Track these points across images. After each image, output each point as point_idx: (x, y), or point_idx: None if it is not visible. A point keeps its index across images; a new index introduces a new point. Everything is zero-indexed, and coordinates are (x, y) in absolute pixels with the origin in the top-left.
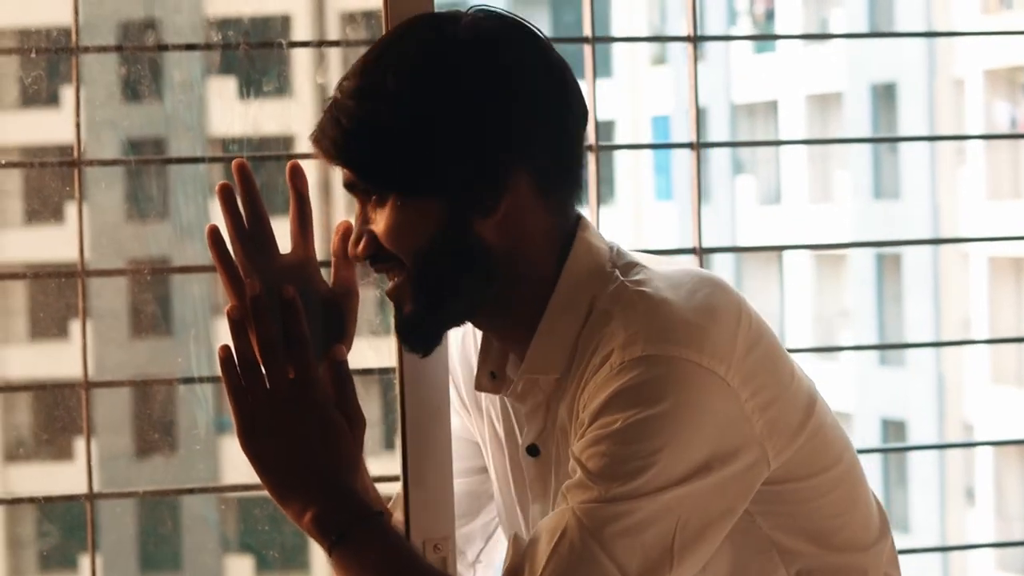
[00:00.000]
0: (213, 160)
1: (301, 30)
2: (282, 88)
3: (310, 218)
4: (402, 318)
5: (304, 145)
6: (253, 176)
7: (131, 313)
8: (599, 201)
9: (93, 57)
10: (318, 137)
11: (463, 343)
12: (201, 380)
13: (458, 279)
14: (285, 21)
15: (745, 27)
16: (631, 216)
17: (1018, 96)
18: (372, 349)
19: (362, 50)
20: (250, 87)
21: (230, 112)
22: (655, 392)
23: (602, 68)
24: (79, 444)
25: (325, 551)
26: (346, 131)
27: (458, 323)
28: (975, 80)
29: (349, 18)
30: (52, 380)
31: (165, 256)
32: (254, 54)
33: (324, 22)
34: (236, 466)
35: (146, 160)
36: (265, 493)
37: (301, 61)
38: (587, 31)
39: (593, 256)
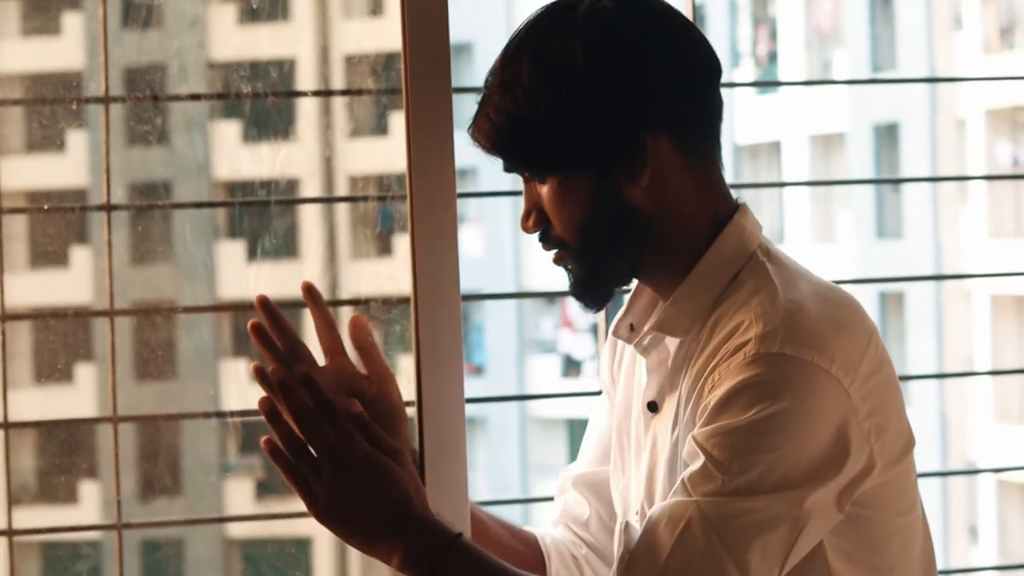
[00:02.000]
0: (220, 204)
1: (306, 73)
2: (287, 131)
3: (333, 326)
4: (573, 282)
5: (310, 188)
6: (276, 308)
7: (136, 355)
8: None
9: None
10: (473, 132)
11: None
12: (232, 415)
13: (617, 244)
14: (290, 65)
15: (748, 69)
16: None
17: (1019, 135)
18: None
19: (366, 99)
20: (256, 131)
21: (234, 156)
22: (786, 390)
23: None
24: (85, 487)
25: None
26: (495, 124)
27: (625, 282)
28: (977, 120)
29: (353, 61)
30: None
31: (170, 299)
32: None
33: (329, 66)
34: (240, 505)
35: (164, 205)
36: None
37: (305, 105)
38: None
39: (745, 239)
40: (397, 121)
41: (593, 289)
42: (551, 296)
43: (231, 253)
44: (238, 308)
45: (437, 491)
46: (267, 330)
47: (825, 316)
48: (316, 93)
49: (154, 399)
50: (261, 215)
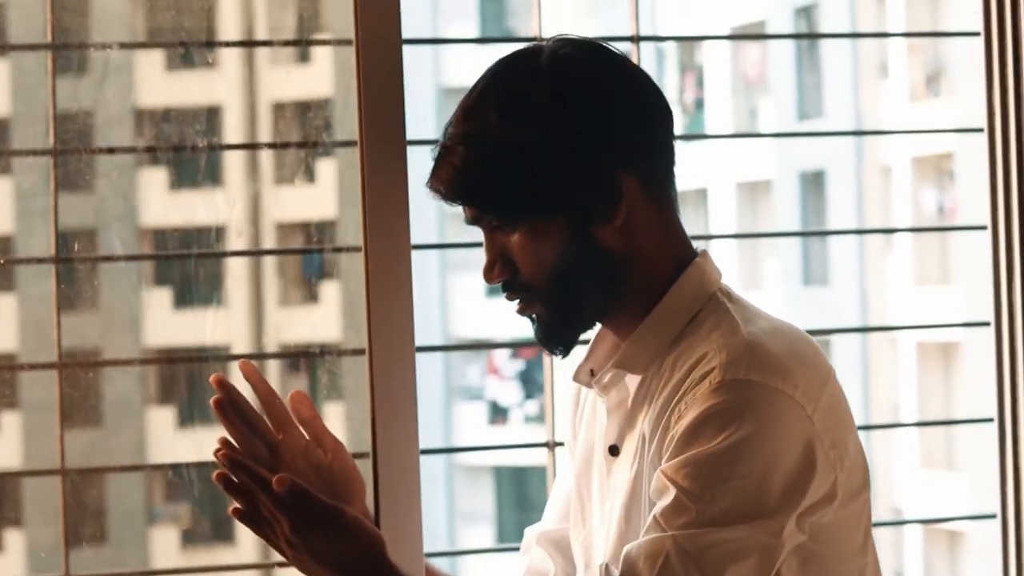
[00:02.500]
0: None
1: (233, 119)
2: (213, 178)
3: (277, 400)
4: (541, 328)
5: (236, 237)
6: (234, 388)
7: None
8: None
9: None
10: (434, 184)
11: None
12: (187, 466)
13: (589, 286)
14: (215, 112)
15: (676, 116)
16: None
17: (945, 183)
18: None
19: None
20: (180, 178)
21: (161, 203)
22: (752, 415)
23: None
24: (10, 536)
25: None
26: (463, 174)
27: (591, 325)
28: (903, 167)
29: (279, 108)
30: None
31: (96, 347)
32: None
33: (256, 112)
34: (165, 554)
35: (118, 258)
36: None
37: (232, 153)
38: None
39: (705, 282)
40: (324, 168)
41: (563, 333)
42: (513, 346)
43: (158, 301)
44: (174, 360)
45: (392, 541)
46: (227, 407)
47: (786, 349)
48: (271, 145)
49: (81, 447)
50: (187, 263)
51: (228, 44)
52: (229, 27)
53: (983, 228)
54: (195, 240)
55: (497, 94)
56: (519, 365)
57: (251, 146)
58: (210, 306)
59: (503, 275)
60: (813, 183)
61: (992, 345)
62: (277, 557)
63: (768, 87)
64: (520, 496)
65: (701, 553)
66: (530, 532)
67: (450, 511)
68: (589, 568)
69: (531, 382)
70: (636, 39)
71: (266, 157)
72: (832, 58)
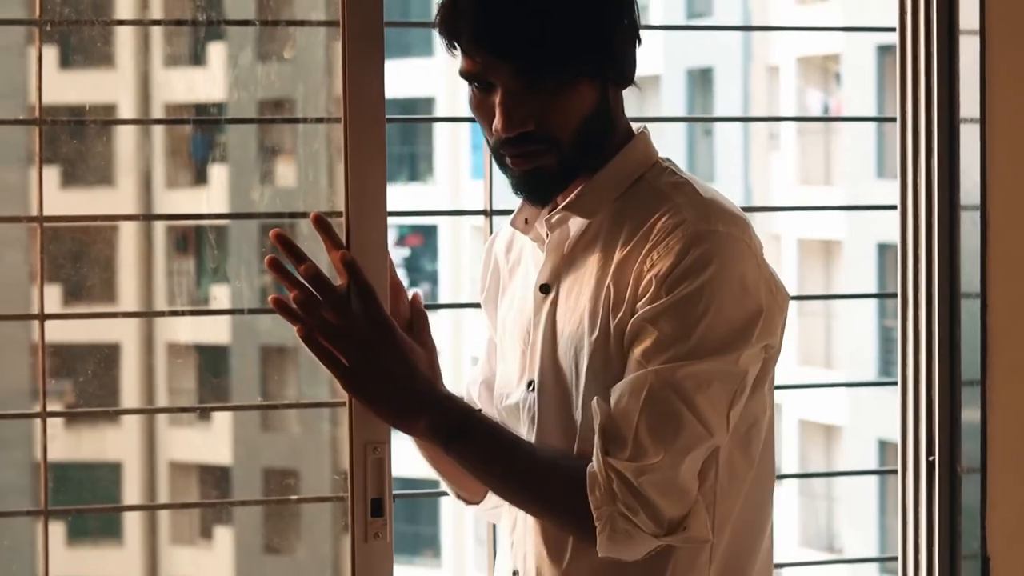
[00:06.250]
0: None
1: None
2: (106, 58)
3: (343, 246)
4: (541, 178)
5: (126, 114)
6: (292, 240)
7: None
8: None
9: None
10: (483, 33)
11: (489, 249)
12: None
13: (596, 143)
14: None
15: None
16: (449, 193)
17: (831, 84)
18: None
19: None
20: (73, 56)
21: (53, 81)
22: (719, 260)
23: (424, 47)
24: None
25: (443, 449)
26: (527, 24)
27: (576, 177)
28: (789, 67)
29: None
30: None
31: None
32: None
33: None
34: (50, 431)
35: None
36: None
37: (124, 32)
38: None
39: (650, 150)
40: (215, 51)
41: (557, 183)
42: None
43: (45, 179)
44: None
45: None
46: (283, 261)
47: (734, 208)
48: (263, 23)
49: None
50: (76, 140)
51: None
52: None
53: (892, 120)
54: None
55: None
56: (403, 253)
57: (238, 23)
58: (96, 184)
59: (527, 126)
60: (701, 81)
61: (898, 225)
62: None
63: None
64: None
65: (680, 383)
66: (470, 379)
67: None
68: (505, 400)
69: (417, 270)
70: None
71: (157, 38)
72: None
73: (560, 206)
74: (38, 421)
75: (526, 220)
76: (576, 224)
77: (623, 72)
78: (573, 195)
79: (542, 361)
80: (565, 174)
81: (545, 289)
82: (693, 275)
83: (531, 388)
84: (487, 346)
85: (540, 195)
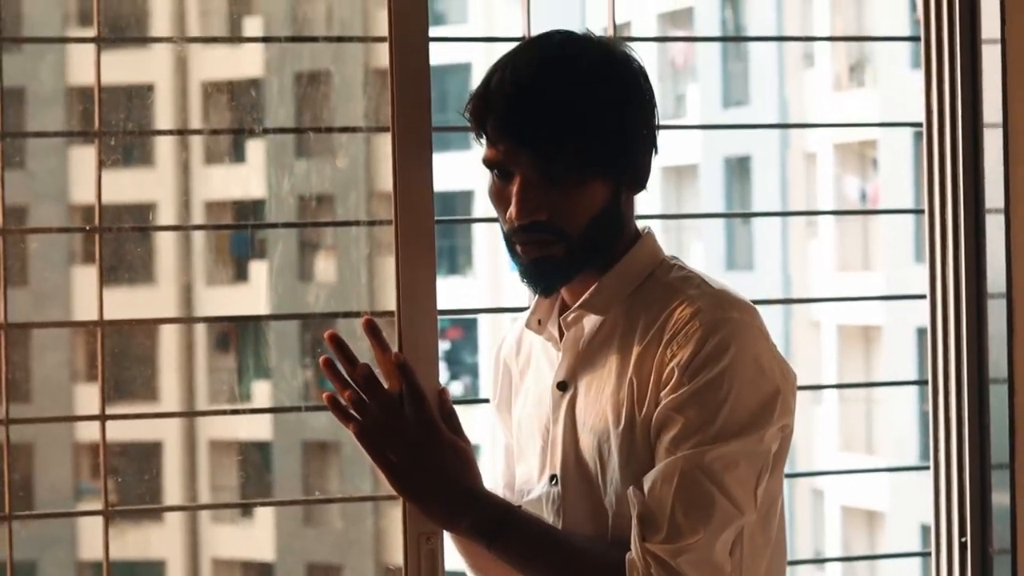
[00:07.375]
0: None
1: (163, 96)
2: (145, 157)
3: (392, 353)
4: (548, 268)
5: (165, 214)
6: (345, 343)
7: None
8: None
9: None
10: (509, 122)
11: (497, 356)
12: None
13: (605, 240)
14: (148, 89)
15: None
16: (488, 286)
17: (867, 170)
18: None
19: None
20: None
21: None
22: (736, 346)
23: (462, 141)
24: None
25: (486, 546)
26: (556, 121)
27: (583, 271)
28: (826, 154)
29: (211, 87)
30: None
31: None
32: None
33: (187, 90)
34: (91, 531)
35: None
36: None
37: (164, 128)
38: None
39: (656, 248)
40: (253, 149)
41: (564, 275)
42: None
43: (86, 277)
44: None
45: None
46: (336, 367)
47: (740, 296)
48: (301, 130)
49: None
50: (118, 241)
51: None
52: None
53: (920, 211)
54: (124, 215)
55: (582, 57)
56: (444, 346)
57: (288, 131)
58: (138, 283)
59: (540, 215)
60: (738, 169)
61: (927, 316)
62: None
63: (695, 74)
64: None
65: (708, 466)
66: (490, 486)
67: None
68: (526, 495)
69: (457, 363)
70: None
71: (196, 137)
72: (758, 46)
73: (575, 305)
74: (81, 520)
75: (539, 321)
76: (590, 322)
77: (637, 177)
78: (587, 294)
79: (564, 455)
80: (572, 265)
81: (563, 386)
82: (713, 362)
83: (554, 482)
84: (504, 453)
85: (546, 283)
